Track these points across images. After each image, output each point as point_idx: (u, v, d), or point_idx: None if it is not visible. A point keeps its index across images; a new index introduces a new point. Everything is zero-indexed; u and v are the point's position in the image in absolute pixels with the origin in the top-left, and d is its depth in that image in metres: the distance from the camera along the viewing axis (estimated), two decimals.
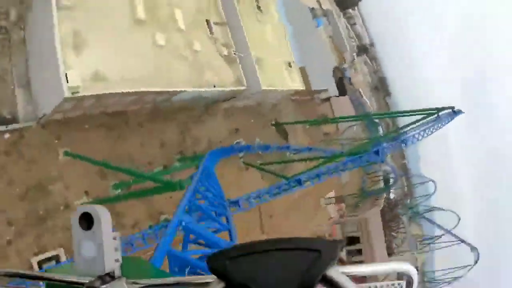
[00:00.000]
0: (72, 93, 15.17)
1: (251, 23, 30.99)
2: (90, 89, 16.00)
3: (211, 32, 26.58)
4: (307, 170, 39.54)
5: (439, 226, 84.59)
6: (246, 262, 0.77)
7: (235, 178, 31.60)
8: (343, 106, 55.25)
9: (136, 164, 21.76)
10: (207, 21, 26.61)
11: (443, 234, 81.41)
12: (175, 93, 21.72)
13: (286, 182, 22.67)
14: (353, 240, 53.25)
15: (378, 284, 1.10)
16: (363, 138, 62.18)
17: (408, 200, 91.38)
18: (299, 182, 22.48)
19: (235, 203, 19.97)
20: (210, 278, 0.84)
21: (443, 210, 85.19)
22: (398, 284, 1.05)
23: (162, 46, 20.99)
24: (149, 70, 19.66)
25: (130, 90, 18.16)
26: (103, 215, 1.03)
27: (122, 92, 17.76)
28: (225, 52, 27.14)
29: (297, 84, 36.79)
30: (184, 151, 24.77)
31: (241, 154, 33.56)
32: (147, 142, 23.11)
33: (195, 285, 0.98)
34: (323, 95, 55.87)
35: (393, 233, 67.08)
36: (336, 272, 0.77)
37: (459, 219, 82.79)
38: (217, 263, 0.78)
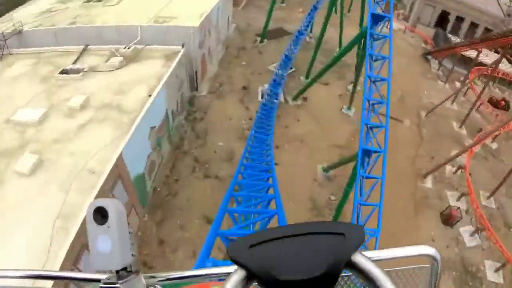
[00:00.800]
0: None
1: (106, 15, 22.28)
2: None
3: (78, 72, 16.94)
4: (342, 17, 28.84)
5: None
6: (267, 249, 0.72)
7: (309, 118, 21.80)
8: None
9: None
10: (63, 71, 17.13)
11: None
12: (122, 166, 12.06)
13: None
14: (443, 21, 42.18)
15: (404, 268, 1.09)
16: None
17: None
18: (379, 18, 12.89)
19: (366, 155, 12.47)
20: (231, 268, 0.77)
21: None
22: (423, 267, 1.04)
23: (55, 154, 11.69)
24: (68, 187, 10.55)
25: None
26: (117, 208, 0.94)
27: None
28: (119, 60, 17.61)
29: None
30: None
31: (281, 97, 24.07)
32: (190, 231, 13.85)
33: (216, 276, 0.94)
34: None
35: None
36: (362, 257, 0.71)
37: None
38: (237, 251, 0.71)
